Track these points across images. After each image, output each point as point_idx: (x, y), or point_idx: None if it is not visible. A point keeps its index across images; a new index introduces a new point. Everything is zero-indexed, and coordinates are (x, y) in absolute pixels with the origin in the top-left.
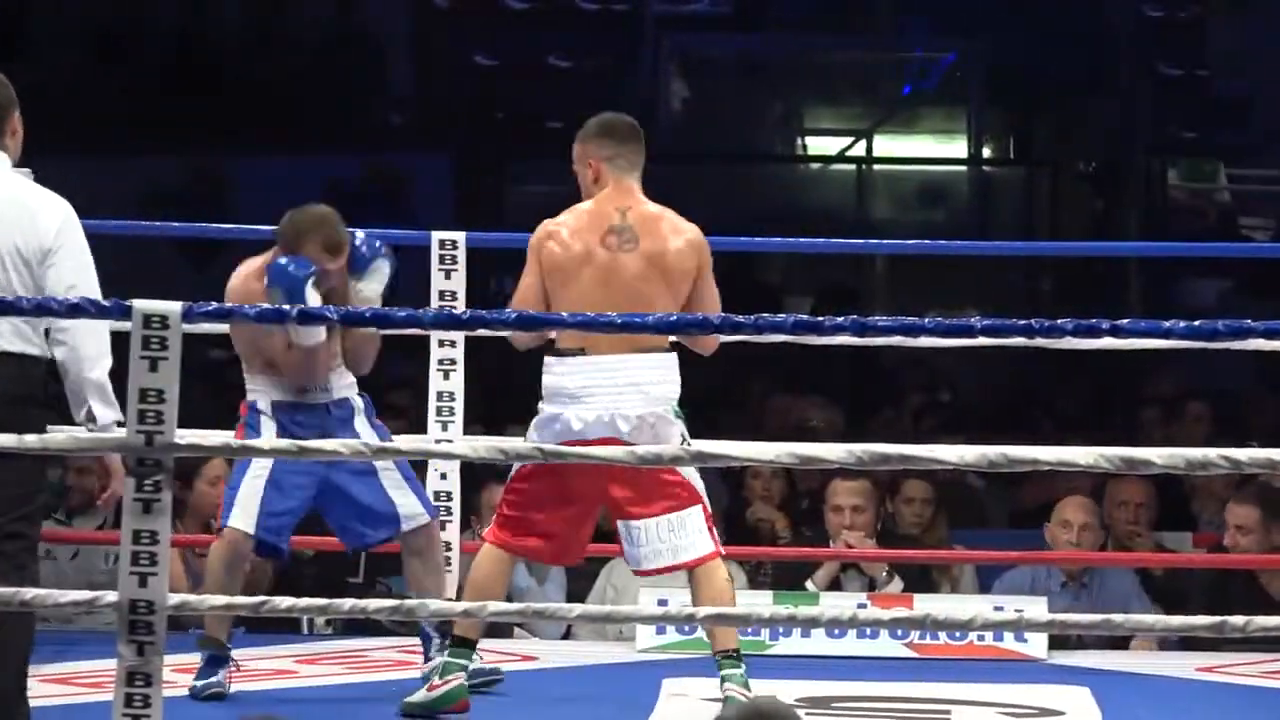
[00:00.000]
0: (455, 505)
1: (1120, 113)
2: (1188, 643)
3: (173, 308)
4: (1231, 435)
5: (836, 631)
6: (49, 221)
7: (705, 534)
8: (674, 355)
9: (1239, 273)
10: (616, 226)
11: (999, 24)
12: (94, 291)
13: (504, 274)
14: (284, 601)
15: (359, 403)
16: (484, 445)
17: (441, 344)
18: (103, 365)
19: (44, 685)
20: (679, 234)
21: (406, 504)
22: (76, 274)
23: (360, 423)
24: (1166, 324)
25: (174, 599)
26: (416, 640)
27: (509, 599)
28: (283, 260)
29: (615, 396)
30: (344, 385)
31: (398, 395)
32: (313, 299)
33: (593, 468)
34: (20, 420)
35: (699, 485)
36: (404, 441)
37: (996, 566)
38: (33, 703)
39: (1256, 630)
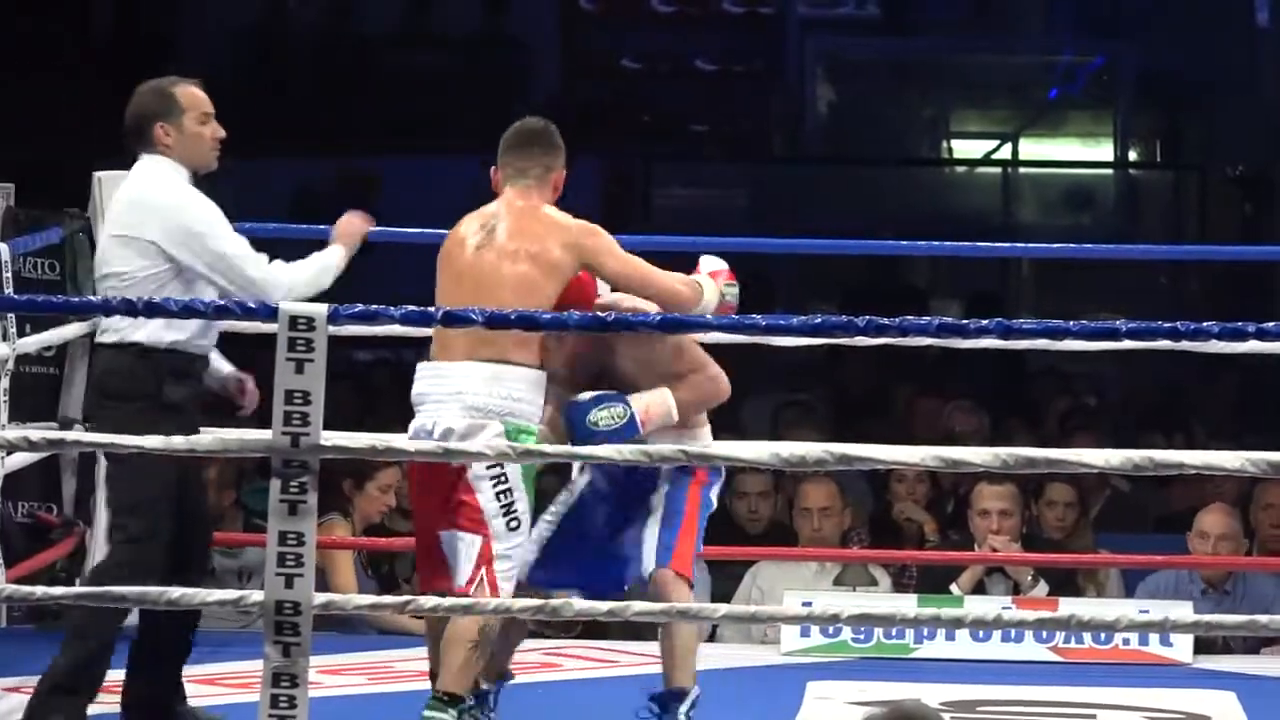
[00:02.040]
0: None
1: (1268, 116)
2: None
3: (319, 310)
4: None
5: (981, 634)
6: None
7: (472, 565)
8: (525, 370)
9: None
10: (481, 227)
11: (1147, 27)
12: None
13: None
14: (428, 601)
15: None
16: (627, 449)
17: None
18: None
19: (193, 686)
20: (551, 231)
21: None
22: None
23: None
24: None
25: (320, 599)
26: (560, 641)
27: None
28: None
29: (437, 405)
30: None
31: None
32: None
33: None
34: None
35: (493, 520)
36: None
37: (1142, 571)
38: None
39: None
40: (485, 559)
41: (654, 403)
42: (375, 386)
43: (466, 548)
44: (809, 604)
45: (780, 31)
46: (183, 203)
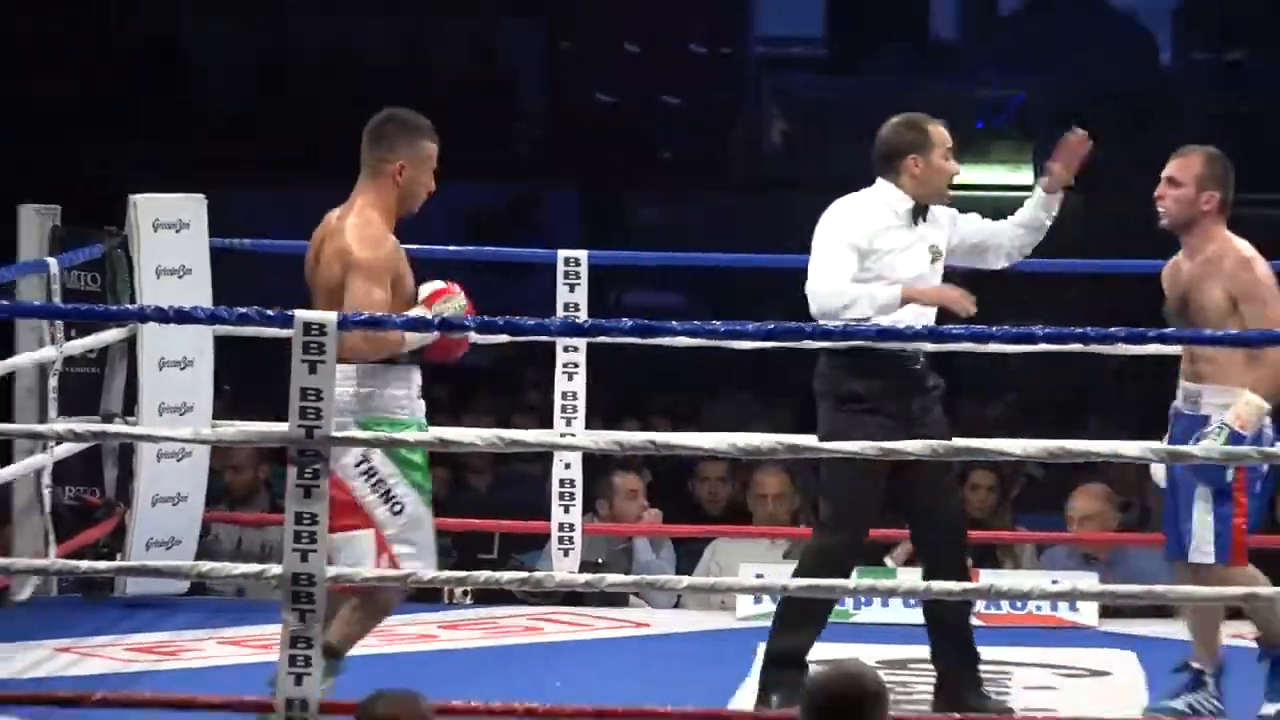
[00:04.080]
0: (578, 491)
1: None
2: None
3: (330, 317)
4: None
5: (911, 602)
6: None
7: (372, 559)
8: (350, 366)
9: None
10: (322, 227)
11: (1063, 64)
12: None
13: (623, 289)
14: (427, 573)
15: None
16: (604, 438)
17: (565, 349)
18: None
19: (221, 646)
20: (340, 233)
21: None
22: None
23: None
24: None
25: (331, 571)
26: (543, 608)
27: (628, 572)
28: None
29: None
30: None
31: (532, 395)
32: None
33: None
34: None
35: (375, 510)
36: (532, 435)
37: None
38: (211, 662)
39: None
40: (382, 547)
41: (1242, 412)
42: None
43: (360, 544)
44: (761, 575)
45: (739, 70)
46: None
